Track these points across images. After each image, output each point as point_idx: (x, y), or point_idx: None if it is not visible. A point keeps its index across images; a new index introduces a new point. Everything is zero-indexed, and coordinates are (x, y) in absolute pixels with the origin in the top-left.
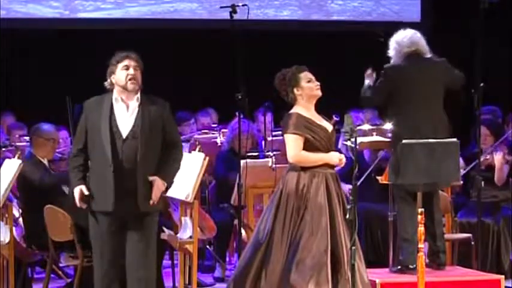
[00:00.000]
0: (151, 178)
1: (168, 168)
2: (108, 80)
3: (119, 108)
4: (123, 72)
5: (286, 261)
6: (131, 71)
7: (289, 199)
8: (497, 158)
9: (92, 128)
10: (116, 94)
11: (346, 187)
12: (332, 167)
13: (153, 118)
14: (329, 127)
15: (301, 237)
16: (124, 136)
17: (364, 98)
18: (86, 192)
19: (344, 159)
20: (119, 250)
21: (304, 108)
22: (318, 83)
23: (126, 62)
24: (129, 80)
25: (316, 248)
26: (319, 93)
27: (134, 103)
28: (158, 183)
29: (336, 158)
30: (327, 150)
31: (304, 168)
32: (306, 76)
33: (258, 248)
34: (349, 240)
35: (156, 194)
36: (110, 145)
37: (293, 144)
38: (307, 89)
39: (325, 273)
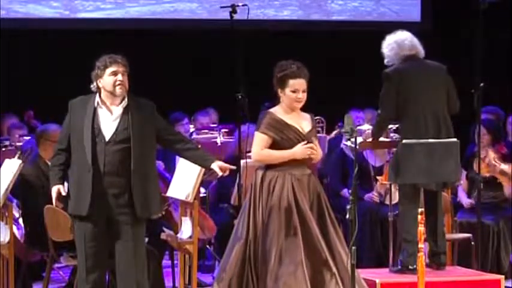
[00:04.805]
0: (213, 165)
1: (201, 152)
2: (94, 83)
3: (102, 112)
4: (111, 78)
5: (264, 263)
6: (119, 77)
7: (256, 197)
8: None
9: (74, 129)
10: (101, 98)
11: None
12: (305, 166)
13: (143, 123)
14: (305, 128)
15: (271, 241)
16: (107, 139)
17: (379, 122)
18: (64, 193)
19: (316, 149)
20: (99, 254)
21: (282, 110)
22: (301, 97)
23: (114, 68)
24: (118, 85)
25: (289, 259)
26: (297, 106)
27: (119, 109)
28: (217, 163)
29: (300, 151)
30: None
31: (269, 167)
32: (293, 85)
33: (238, 246)
34: (336, 245)
35: (224, 166)
36: (90, 149)
37: (257, 142)
38: (287, 98)
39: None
